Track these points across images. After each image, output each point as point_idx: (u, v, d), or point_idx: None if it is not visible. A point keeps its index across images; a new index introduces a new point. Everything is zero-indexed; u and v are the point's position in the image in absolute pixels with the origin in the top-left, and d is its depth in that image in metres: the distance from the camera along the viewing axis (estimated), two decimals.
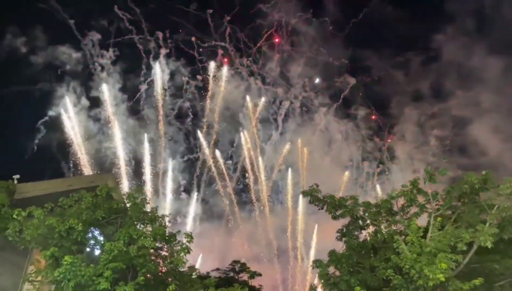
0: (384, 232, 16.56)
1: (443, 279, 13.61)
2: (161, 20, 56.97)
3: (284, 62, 59.71)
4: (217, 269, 32.47)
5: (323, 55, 58.71)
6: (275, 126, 58.36)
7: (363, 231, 17.36)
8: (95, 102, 51.64)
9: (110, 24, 53.83)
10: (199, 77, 56.19)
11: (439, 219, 15.57)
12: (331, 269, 16.85)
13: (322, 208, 17.01)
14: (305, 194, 17.13)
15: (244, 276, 30.98)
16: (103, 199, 15.51)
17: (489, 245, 14.34)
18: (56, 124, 49.37)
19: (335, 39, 59.69)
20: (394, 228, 16.44)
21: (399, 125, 59.18)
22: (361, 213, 16.47)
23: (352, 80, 58.92)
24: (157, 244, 15.56)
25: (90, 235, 15.39)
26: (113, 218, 15.62)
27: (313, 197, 16.62)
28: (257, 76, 58.61)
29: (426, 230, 15.94)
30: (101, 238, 15.59)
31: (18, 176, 17.30)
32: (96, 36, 52.98)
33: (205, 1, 59.03)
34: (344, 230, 17.38)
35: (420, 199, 16.72)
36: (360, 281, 15.82)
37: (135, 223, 15.63)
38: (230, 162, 56.27)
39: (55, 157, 49.26)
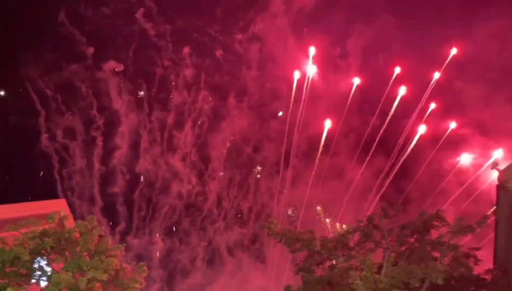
0: (340, 267, 16.63)
1: None
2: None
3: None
4: None
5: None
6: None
7: (320, 266, 17.35)
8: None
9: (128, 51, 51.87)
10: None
11: (392, 254, 15.86)
12: None
13: (280, 241, 16.98)
14: (262, 226, 17.11)
15: None
16: (54, 227, 14.90)
17: (440, 281, 14.68)
18: None
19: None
20: (350, 263, 16.55)
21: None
22: (318, 247, 16.53)
23: None
24: (109, 277, 14.96)
25: (36, 265, 14.66)
26: (63, 247, 14.97)
27: (270, 230, 16.61)
28: None
29: (381, 266, 16.16)
30: (49, 269, 14.88)
31: None
32: (116, 66, 51.02)
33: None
34: (301, 265, 17.34)
35: (377, 234, 17.01)
36: None
37: (87, 253, 15.04)
38: None
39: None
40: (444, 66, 44.35)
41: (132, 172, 50.57)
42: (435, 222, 16.41)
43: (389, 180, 44.37)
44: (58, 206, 17.01)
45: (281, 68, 51.91)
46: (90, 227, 15.12)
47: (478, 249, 17.00)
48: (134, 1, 52.51)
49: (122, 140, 50.67)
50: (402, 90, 43.90)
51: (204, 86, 53.83)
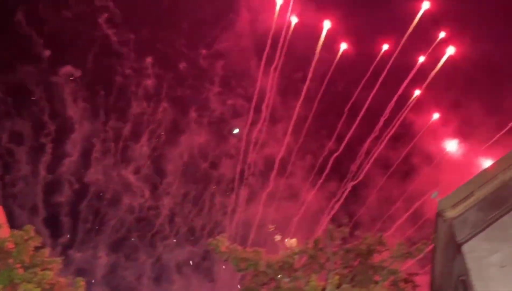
0: (285, 288, 16.68)
1: None
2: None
3: None
4: None
5: None
6: None
7: (265, 286, 17.33)
8: None
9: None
10: None
11: (336, 277, 16.15)
12: None
13: (226, 260, 16.86)
14: (210, 244, 16.92)
15: None
16: None
17: None
18: None
19: None
20: (295, 284, 16.66)
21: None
22: (263, 267, 16.54)
23: None
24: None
25: None
26: None
27: (217, 248, 16.44)
28: None
29: (325, 288, 16.37)
30: None
31: None
32: (73, 71, 48.24)
33: None
34: (247, 284, 17.25)
35: (322, 256, 17.28)
36: None
37: (20, 265, 14.22)
38: None
39: None
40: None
41: (81, 181, 48.51)
42: (377, 247, 16.97)
43: (340, 203, 44.82)
44: None
45: (244, 86, 52.42)
46: (26, 238, 14.34)
47: (416, 274, 17.70)
48: (98, 6, 51.50)
49: (73, 149, 48.58)
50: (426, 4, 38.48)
51: (164, 98, 53.20)
